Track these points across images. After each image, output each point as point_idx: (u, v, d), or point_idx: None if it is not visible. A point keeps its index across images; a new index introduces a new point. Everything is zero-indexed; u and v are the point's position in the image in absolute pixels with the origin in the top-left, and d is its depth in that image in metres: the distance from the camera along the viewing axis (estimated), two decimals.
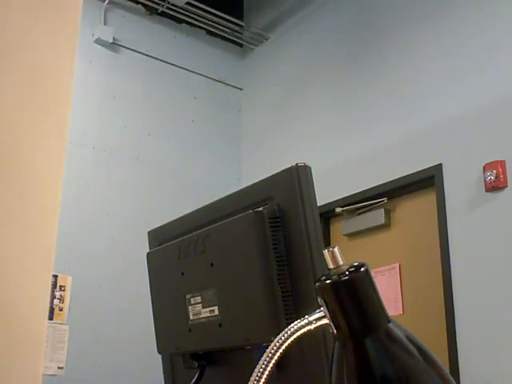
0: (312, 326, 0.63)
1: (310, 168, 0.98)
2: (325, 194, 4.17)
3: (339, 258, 0.64)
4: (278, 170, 1.00)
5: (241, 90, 5.55)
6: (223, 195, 1.12)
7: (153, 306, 1.24)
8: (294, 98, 4.96)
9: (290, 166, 0.98)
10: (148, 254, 1.25)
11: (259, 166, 5.07)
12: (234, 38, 5.52)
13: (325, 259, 0.65)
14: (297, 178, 0.97)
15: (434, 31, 4.00)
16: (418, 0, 4.17)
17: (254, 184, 1.04)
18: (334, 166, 4.43)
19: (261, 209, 0.99)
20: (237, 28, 5.42)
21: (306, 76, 4.92)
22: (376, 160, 4.16)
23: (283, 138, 4.96)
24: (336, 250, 0.64)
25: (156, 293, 1.24)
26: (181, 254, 1.13)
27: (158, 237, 1.28)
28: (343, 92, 4.56)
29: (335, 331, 0.63)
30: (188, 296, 1.11)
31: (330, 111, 4.63)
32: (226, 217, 1.05)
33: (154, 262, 1.24)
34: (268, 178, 1.02)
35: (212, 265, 1.06)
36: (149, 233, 1.32)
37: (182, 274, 1.13)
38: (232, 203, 1.08)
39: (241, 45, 5.64)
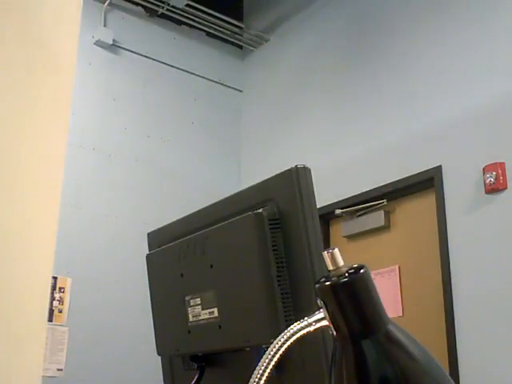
0: (311, 328, 0.63)
1: (310, 170, 0.98)
2: (324, 195, 4.17)
3: (339, 260, 0.64)
4: (278, 172, 1.00)
5: (240, 91, 5.55)
6: (223, 197, 1.12)
7: (152, 308, 1.24)
8: (294, 100, 4.96)
9: (289, 167, 0.98)
10: (147, 255, 1.25)
11: (259, 168, 5.07)
12: (234, 40, 5.53)
13: (324, 261, 0.65)
14: (296, 180, 0.97)
15: (434, 33, 4.01)
16: (418, 2, 4.17)
17: (254, 186, 1.04)
18: (333, 168, 4.43)
19: (260, 210, 0.99)
20: (237, 30, 5.43)
21: (306, 78, 4.92)
22: (376, 162, 4.16)
23: (283, 139, 4.96)
24: (336, 251, 0.64)
25: (155, 294, 1.24)
26: (180, 255, 1.13)
27: (157, 238, 1.28)
28: (343, 94, 4.56)
29: (335, 333, 0.63)
30: (187, 297, 1.11)
31: (330, 113, 4.63)
32: (225, 218, 1.05)
33: (154, 263, 1.24)
34: (268, 179, 1.02)
35: (211, 266, 1.06)
36: (148, 234, 1.32)
37: (182, 275, 1.13)
38: (232, 205, 1.08)
39: (241, 46, 5.65)
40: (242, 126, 5.44)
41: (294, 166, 0.98)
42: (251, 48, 5.54)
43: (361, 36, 4.55)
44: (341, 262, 0.64)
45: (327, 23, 4.85)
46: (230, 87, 5.52)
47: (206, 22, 5.28)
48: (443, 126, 3.79)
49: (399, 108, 4.11)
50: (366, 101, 4.36)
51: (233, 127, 5.43)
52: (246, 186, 1.06)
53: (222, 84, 5.47)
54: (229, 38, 5.51)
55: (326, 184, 4.27)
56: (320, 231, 0.98)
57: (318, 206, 0.98)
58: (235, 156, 5.37)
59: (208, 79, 5.39)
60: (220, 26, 5.35)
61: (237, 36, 5.48)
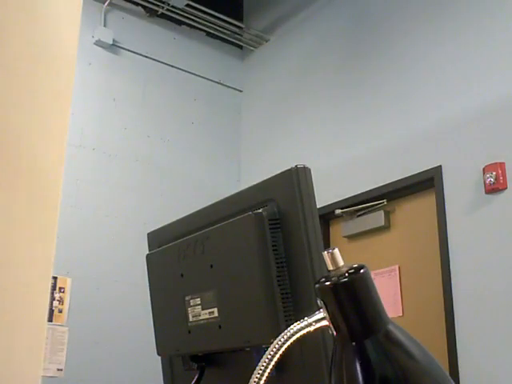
0: (311, 328, 0.63)
1: (310, 170, 0.98)
2: (324, 195, 4.17)
3: (339, 260, 0.64)
4: (278, 172, 1.00)
5: (240, 91, 5.55)
6: (223, 197, 1.12)
7: (152, 308, 1.24)
8: (294, 100, 4.96)
9: (289, 167, 0.98)
10: (147, 255, 1.25)
11: (259, 168, 5.07)
12: (234, 40, 5.53)
13: (324, 261, 0.65)
14: (296, 180, 0.97)
15: (434, 33, 4.01)
16: (418, 2, 4.17)
17: (254, 186, 1.04)
18: (333, 168, 4.43)
19: (260, 210, 0.99)
20: (237, 30, 5.43)
21: (306, 78, 4.92)
22: (376, 162, 4.16)
23: (283, 139, 4.96)
24: (336, 251, 0.64)
25: (155, 294, 1.24)
26: (180, 255, 1.13)
27: (157, 238, 1.28)
28: (343, 94, 4.56)
29: (335, 333, 0.63)
30: (187, 297, 1.11)
31: (330, 113, 4.63)
32: (225, 218, 1.05)
33: (154, 263, 1.24)
34: (268, 179, 1.02)
35: (212, 266, 1.06)
36: (148, 234, 1.32)
37: (182, 275, 1.13)
38: (232, 205, 1.08)
39: (241, 46, 5.65)
40: (241, 126, 5.44)
41: (293, 166, 0.98)
42: (251, 48, 5.54)
43: (361, 36, 4.55)
44: (341, 262, 0.64)
45: (327, 23, 4.85)
46: (229, 87, 5.52)
47: (205, 22, 5.28)
48: (443, 126, 3.79)
49: (399, 108, 4.11)
50: (365, 101, 4.36)
51: (233, 127, 5.43)
52: (246, 186, 1.06)
53: (221, 84, 5.47)
54: (229, 38, 5.51)
55: (326, 184, 4.27)
56: (320, 231, 0.98)
57: (318, 206, 0.98)
58: (235, 156, 5.37)
59: (208, 79, 5.39)
60: (220, 26, 5.35)
61: (237, 36, 5.48)
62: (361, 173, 4.24)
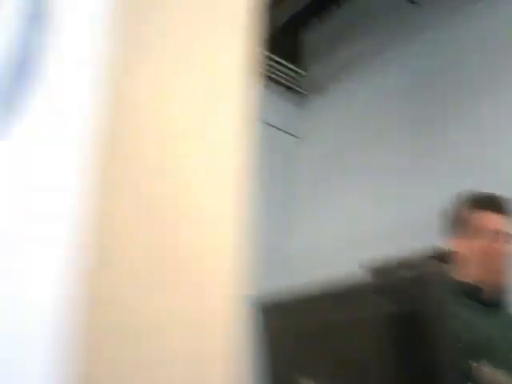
0: None
1: (444, 273, 0.99)
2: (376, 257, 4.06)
3: None
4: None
5: (297, 138, 5.50)
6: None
7: None
8: (349, 151, 4.87)
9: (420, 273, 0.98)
10: None
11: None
12: (293, 86, 5.54)
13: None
14: (428, 284, 0.97)
15: (497, 102, 3.87)
16: (483, 69, 4.05)
17: (383, 283, 1.05)
18: (385, 230, 4.27)
19: (390, 309, 0.99)
20: (296, 76, 5.46)
21: (363, 130, 4.83)
22: (434, 222, 4.01)
23: (336, 190, 4.85)
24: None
25: None
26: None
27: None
28: (404, 150, 4.43)
29: None
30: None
31: (389, 169, 4.50)
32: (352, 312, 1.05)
33: None
34: (397, 280, 1.02)
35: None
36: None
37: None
38: (358, 298, 1.08)
39: (299, 93, 5.65)
40: (295, 174, 5.34)
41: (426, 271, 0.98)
42: (310, 95, 5.55)
43: (425, 95, 4.43)
44: None
45: (390, 76, 4.73)
46: (286, 133, 5.49)
47: (266, 66, 5.32)
48: None
49: (465, 176, 3.80)
50: (429, 162, 4.18)
51: (286, 174, 5.38)
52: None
53: (278, 129, 5.44)
54: (288, 84, 5.52)
55: (377, 245, 4.08)
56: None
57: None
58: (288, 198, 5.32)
59: (265, 123, 5.38)
60: (279, 71, 5.39)
61: (296, 82, 5.51)
62: (419, 235, 4.06)
